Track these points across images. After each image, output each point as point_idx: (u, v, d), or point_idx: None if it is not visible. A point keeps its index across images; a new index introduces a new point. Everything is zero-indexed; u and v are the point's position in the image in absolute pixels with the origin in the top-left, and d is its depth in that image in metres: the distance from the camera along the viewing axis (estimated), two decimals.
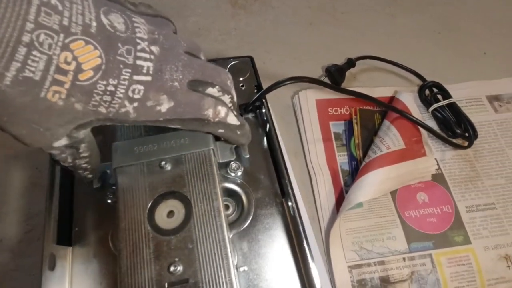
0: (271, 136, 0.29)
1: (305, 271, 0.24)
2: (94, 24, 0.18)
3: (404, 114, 0.36)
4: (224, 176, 0.28)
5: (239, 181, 0.29)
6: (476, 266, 0.33)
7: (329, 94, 0.43)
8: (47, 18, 0.16)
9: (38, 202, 0.35)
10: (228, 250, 0.22)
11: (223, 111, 0.24)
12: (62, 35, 0.17)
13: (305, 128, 0.40)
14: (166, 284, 0.21)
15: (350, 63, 0.45)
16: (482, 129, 0.40)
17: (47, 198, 0.25)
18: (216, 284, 0.21)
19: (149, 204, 0.23)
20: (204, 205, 0.23)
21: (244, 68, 0.35)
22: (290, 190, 0.26)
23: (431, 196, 0.36)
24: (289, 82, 0.31)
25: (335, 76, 0.43)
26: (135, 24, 0.20)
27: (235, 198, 0.28)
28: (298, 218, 0.25)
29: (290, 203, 0.26)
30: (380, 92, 0.44)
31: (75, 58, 0.17)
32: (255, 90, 0.34)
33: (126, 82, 0.19)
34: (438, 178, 0.37)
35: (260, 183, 0.29)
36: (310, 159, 0.38)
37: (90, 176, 0.24)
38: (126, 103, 0.20)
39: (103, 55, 0.18)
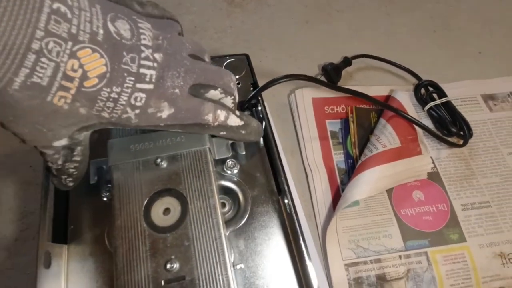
0: (267, 134, 0.29)
1: (301, 269, 0.25)
2: (101, 31, 0.18)
3: (400, 113, 0.36)
4: (220, 173, 0.28)
5: (235, 179, 0.29)
6: (471, 264, 0.33)
7: (325, 93, 0.43)
8: (56, 26, 0.17)
9: (33, 201, 0.34)
10: (225, 247, 0.22)
11: (222, 115, 0.24)
12: (70, 43, 0.17)
13: (302, 126, 0.40)
14: (162, 282, 0.20)
15: (347, 61, 0.45)
16: (477, 128, 0.41)
17: (42, 195, 0.25)
18: (212, 281, 0.21)
19: (145, 202, 0.23)
20: (200, 202, 0.23)
21: (240, 66, 0.35)
22: (286, 188, 0.26)
23: (427, 194, 0.36)
24: (285, 79, 0.31)
25: (331, 75, 0.44)
26: (141, 31, 0.20)
27: (232, 196, 0.28)
28: (294, 215, 0.25)
29: (286, 201, 0.26)
30: (376, 90, 0.44)
31: (81, 66, 0.18)
32: (251, 88, 0.34)
33: (129, 90, 0.20)
34: (434, 176, 0.38)
35: (257, 180, 0.29)
36: (307, 157, 0.38)
37: (71, 184, 0.24)
38: (128, 109, 0.20)
39: (108, 64, 0.18)
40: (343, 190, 0.36)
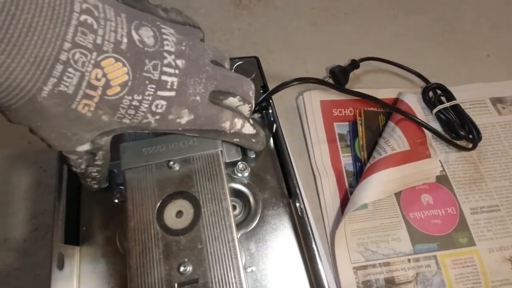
0: (278, 137, 0.30)
1: (313, 273, 0.25)
2: (125, 40, 0.19)
3: (409, 116, 0.36)
4: (230, 176, 0.29)
5: (246, 182, 0.29)
6: (481, 268, 0.33)
7: (333, 95, 0.43)
8: (82, 38, 0.17)
9: (43, 201, 0.35)
10: (237, 250, 0.22)
11: (239, 123, 0.25)
12: (95, 54, 0.18)
13: (310, 129, 0.40)
14: (176, 284, 0.21)
15: (354, 64, 0.45)
16: (485, 131, 0.41)
17: (55, 197, 0.25)
18: (225, 284, 0.21)
19: (158, 204, 0.23)
20: (213, 205, 0.23)
21: (250, 69, 0.35)
22: (298, 191, 0.26)
23: (436, 198, 0.36)
24: (296, 83, 0.31)
25: (339, 77, 0.44)
26: (164, 36, 0.21)
27: (242, 199, 0.28)
28: (306, 218, 0.25)
29: (298, 204, 0.26)
30: (384, 93, 0.44)
31: (104, 75, 0.18)
32: (261, 91, 0.34)
33: (150, 98, 0.20)
34: (442, 179, 0.38)
35: (267, 183, 0.29)
36: (315, 160, 0.38)
37: (96, 186, 0.25)
38: (149, 115, 0.21)
39: (130, 72, 0.19)
40: (351, 193, 0.36)
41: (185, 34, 0.23)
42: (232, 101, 0.24)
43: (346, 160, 0.39)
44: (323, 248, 0.33)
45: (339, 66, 0.45)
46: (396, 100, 0.43)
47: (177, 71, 0.21)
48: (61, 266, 0.23)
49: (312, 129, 0.40)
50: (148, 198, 0.23)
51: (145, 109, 0.20)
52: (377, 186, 0.34)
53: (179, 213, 0.23)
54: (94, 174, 0.23)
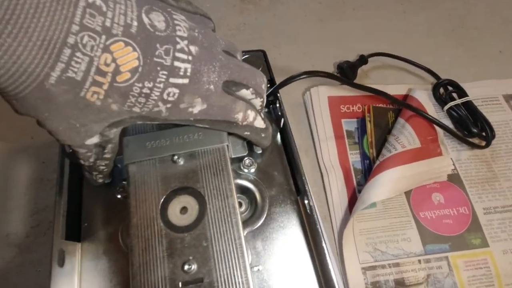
0: (286, 132, 0.29)
1: (322, 273, 0.24)
2: (135, 23, 0.18)
3: (421, 113, 0.35)
4: (236, 172, 0.28)
5: (252, 178, 0.28)
6: (494, 270, 0.32)
7: (341, 91, 0.42)
8: (91, 20, 0.16)
9: (45, 197, 0.34)
10: (244, 248, 0.21)
11: (251, 115, 0.24)
12: (103, 37, 0.17)
13: (317, 125, 0.39)
14: (180, 283, 0.20)
15: (362, 60, 0.44)
16: (499, 129, 0.39)
17: (56, 192, 0.24)
18: (231, 284, 0.20)
19: (162, 200, 0.22)
20: (219, 201, 0.22)
21: (256, 63, 0.34)
22: (306, 188, 0.25)
23: (447, 197, 0.35)
24: (304, 76, 0.30)
25: (347, 73, 0.42)
26: (176, 22, 0.20)
27: (248, 195, 0.27)
28: (315, 216, 0.24)
29: (306, 201, 0.25)
30: (393, 90, 0.42)
31: (114, 60, 0.17)
32: (268, 85, 0.33)
33: (161, 85, 0.19)
34: (454, 178, 0.36)
35: (274, 180, 0.28)
36: (322, 157, 0.37)
37: (101, 180, 0.24)
38: (160, 104, 0.20)
39: (141, 57, 0.18)
40: (359, 191, 0.35)
41: (197, 22, 0.22)
42: (245, 93, 0.23)
43: (354, 157, 0.38)
44: (330, 248, 0.32)
45: (347, 61, 0.44)
46: (406, 96, 0.42)
47: (190, 58, 0.20)
48: (61, 263, 0.22)
49: (319, 126, 0.39)
50: (151, 193, 0.22)
51: (156, 97, 0.19)
52: (387, 184, 0.33)
53: (184, 209, 0.22)
54: (101, 167, 0.23)
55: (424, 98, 0.40)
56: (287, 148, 0.29)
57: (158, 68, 0.19)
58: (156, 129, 0.25)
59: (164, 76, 0.19)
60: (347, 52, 0.46)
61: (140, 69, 0.18)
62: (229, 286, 0.20)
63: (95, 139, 0.20)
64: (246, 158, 0.27)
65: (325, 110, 0.40)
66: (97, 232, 0.25)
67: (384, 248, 0.32)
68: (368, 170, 0.36)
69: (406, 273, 0.31)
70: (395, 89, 0.43)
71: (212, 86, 0.21)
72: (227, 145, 0.24)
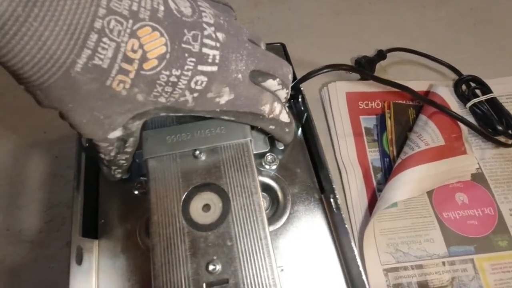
0: (311, 127, 0.27)
1: (350, 274, 0.23)
2: (161, 8, 0.17)
3: (445, 109, 0.34)
4: (258, 168, 0.27)
5: (273, 175, 0.27)
6: None
7: (359, 87, 0.40)
8: (118, 3, 0.16)
9: (58, 192, 0.33)
10: (270, 248, 0.20)
11: (278, 108, 0.23)
12: (131, 21, 0.16)
13: (335, 122, 0.38)
14: (204, 285, 0.19)
15: (381, 55, 0.43)
16: None
17: (73, 187, 0.24)
18: (258, 286, 0.19)
19: (183, 197, 0.21)
20: (243, 198, 0.21)
21: None
22: (332, 186, 0.24)
23: (471, 197, 0.34)
24: (327, 70, 0.29)
25: (365, 68, 0.41)
26: (201, 8, 0.19)
27: (270, 193, 0.26)
28: (342, 215, 0.23)
29: (332, 199, 0.24)
30: (414, 85, 0.40)
31: (141, 46, 0.16)
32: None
33: (189, 73, 0.18)
34: (478, 178, 0.35)
35: (297, 177, 0.27)
36: (340, 155, 0.36)
37: (119, 175, 0.24)
38: (187, 93, 0.19)
39: (168, 43, 0.17)
40: (379, 190, 0.34)
41: (221, 10, 0.21)
42: (271, 83, 0.22)
43: (373, 155, 0.37)
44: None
45: (366, 56, 0.42)
46: (427, 92, 0.40)
47: (218, 44, 0.19)
48: (80, 261, 0.21)
49: (337, 122, 0.38)
50: (172, 189, 0.21)
51: (183, 86, 0.18)
52: (410, 183, 0.32)
53: (206, 207, 0.21)
54: (121, 161, 0.22)
55: (447, 94, 0.38)
56: (310, 144, 0.28)
57: (186, 55, 0.18)
58: (176, 123, 0.24)
59: (192, 64, 0.18)
60: (364, 46, 0.45)
61: (167, 56, 0.17)
62: None
63: (117, 132, 0.19)
64: (268, 154, 0.26)
65: (343, 106, 0.39)
66: (114, 229, 0.25)
67: (406, 249, 0.31)
68: (388, 168, 0.35)
69: (430, 275, 0.30)
70: (416, 85, 0.41)
71: (240, 75, 0.20)
72: (250, 140, 0.23)
